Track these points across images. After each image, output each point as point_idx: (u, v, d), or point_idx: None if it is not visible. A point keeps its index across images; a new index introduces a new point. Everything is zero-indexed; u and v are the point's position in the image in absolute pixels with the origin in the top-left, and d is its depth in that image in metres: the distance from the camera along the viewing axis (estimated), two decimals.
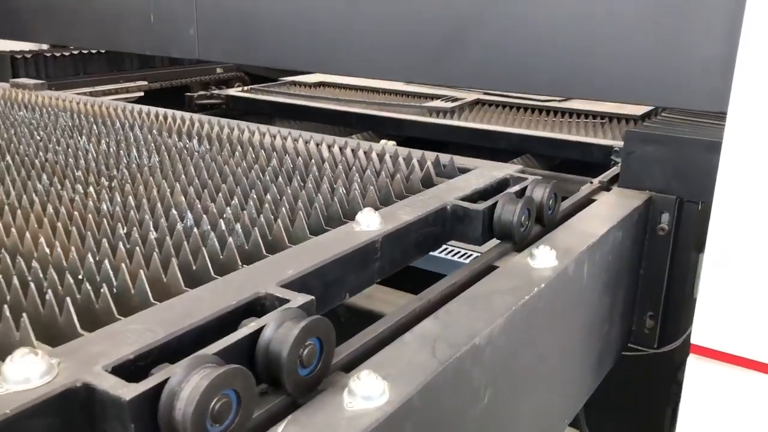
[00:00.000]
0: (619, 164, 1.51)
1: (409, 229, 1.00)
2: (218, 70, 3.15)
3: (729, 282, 1.18)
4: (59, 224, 0.96)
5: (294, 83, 2.95)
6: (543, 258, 1.01)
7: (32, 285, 0.78)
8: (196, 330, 0.67)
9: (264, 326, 0.66)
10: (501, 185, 1.23)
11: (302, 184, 1.19)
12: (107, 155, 1.32)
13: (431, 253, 1.19)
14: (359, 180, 1.20)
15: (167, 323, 0.67)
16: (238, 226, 0.96)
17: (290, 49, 1.82)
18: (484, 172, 1.28)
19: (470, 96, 2.53)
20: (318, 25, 1.77)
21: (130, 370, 0.61)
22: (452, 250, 1.72)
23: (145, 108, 1.75)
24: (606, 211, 1.28)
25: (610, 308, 1.28)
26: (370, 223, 0.97)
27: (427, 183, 1.26)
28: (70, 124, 1.57)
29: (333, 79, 2.88)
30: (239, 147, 1.39)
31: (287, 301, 0.72)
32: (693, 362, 1.30)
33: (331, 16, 1.75)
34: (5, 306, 0.72)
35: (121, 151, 1.35)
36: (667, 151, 1.36)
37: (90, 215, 1.00)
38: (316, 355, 0.68)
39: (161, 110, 1.73)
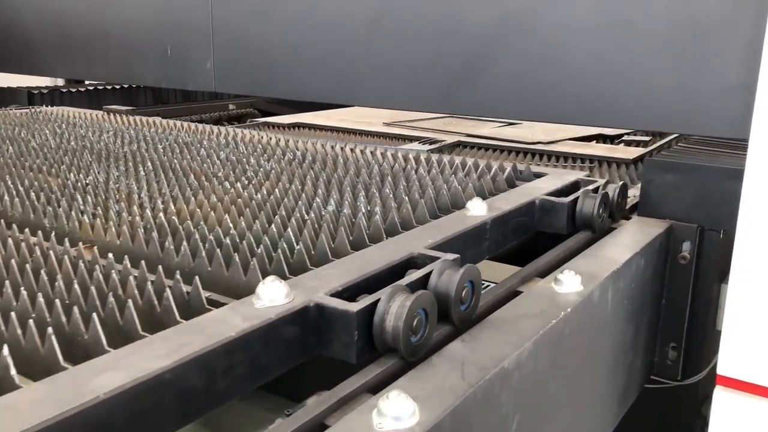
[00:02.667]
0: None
1: (509, 217, 1.19)
2: (231, 107, 3.18)
3: (755, 311, 1.16)
4: (232, 207, 1.18)
5: (267, 124, 2.79)
6: (568, 283, 1.00)
7: (244, 243, 0.99)
8: (376, 275, 0.87)
9: (432, 271, 0.84)
10: (574, 186, 1.40)
11: (407, 183, 1.38)
12: (229, 162, 1.54)
13: None
14: (454, 179, 1.39)
15: (353, 270, 0.87)
16: (377, 209, 1.16)
17: (307, 81, 1.83)
18: (557, 176, 1.48)
19: (451, 138, 2.41)
20: (334, 57, 1.79)
21: (341, 298, 0.78)
22: None
23: (235, 129, 2.00)
24: (628, 239, 1.26)
25: (633, 337, 1.25)
26: (479, 210, 1.15)
27: (511, 184, 1.45)
28: (181, 141, 1.79)
29: (309, 121, 2.79)
30: (338, 158, 1.59)
31: (437, 258, 0.89)
32: (719, 394, 1.26)
33: (347, 48, 1.76)
34: (235, 254, 0.95)
35: (244, 159, 1.57)
36: (687, 179, 1.35)
37: (253, 202, 1.22)
38: (470, 295, 0.86)
39: (245, 131, 1.96)
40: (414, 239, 1.01)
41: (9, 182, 1.34)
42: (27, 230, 1.06)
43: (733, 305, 1.22)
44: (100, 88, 2.89)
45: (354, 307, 0.74)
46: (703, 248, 1.37)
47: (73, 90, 2.80)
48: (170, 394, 0.62)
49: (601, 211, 1.26)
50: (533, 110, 1.55)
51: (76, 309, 0.76)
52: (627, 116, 1.44)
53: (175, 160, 1.55)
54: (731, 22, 1.31)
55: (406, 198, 1.24)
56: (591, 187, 1.32)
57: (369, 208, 1.19)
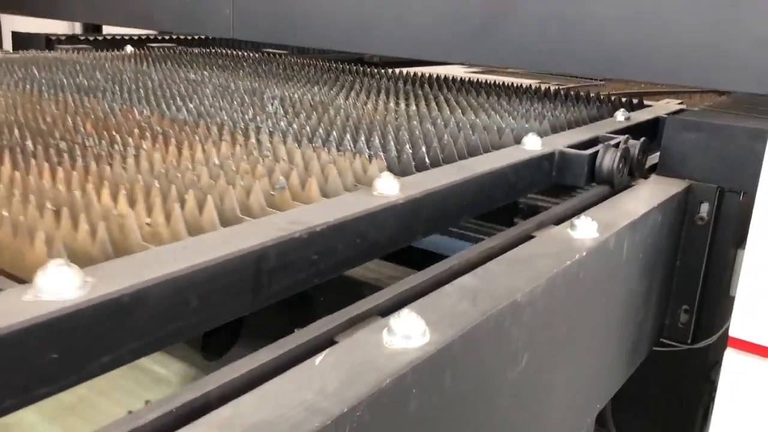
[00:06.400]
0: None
1: (645, 125, 1.60)
2: None
3: None
4: (400, 112, 1.49)
5: None
6: (584, 229, 0.98)
7: (478, 121, 1.42)
8: (583, 143, 1.30)
9: (621, 140, 1.29)
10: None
11: (553, 99, 1.81)
12: (372, 89, 1.79)
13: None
14: (596, 100, 1.86)
15: (566, 140, 1.31)
16: (557, 111, 1.60)
17: (327, 28, 1.81)
18: (663, 107, 1.91)
19: None
20: (356, 3, 1.76)
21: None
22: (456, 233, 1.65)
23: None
24: (646, 195, 1.24)
25: (646, 295, 1.24)
26: (622, 118, 1.60)
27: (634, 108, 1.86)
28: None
29: None
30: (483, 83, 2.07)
31: (615, 137, 1.32)
32: (730, 356, 1.25)
33: None
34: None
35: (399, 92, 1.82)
36: (709, 138, 1.33)
37: (418, 113, 1.49)
38: (643, 156, 1.34)
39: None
40: (593, 129, 1.48)
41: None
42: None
43: (750, 267, 1.20)
44: (119, 37, 2.87)
45: (585, 153, 1.23)
46: (722, 210, 1.35)
47: (91, 38, 2.78)
48: (477, 192, 1.03)
49: None
50: (559, 61, 1.51)
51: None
52: (654, 69, 1.41)
53: (332, 92, 1.74)
54: None
55: (571, 108, 1.68)
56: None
57: (549, 111, 1.62)
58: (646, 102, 1.97)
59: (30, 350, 0.51)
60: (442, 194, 0.96)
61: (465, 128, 1.34)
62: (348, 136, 1.19)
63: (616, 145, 1.27)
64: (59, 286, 0.54)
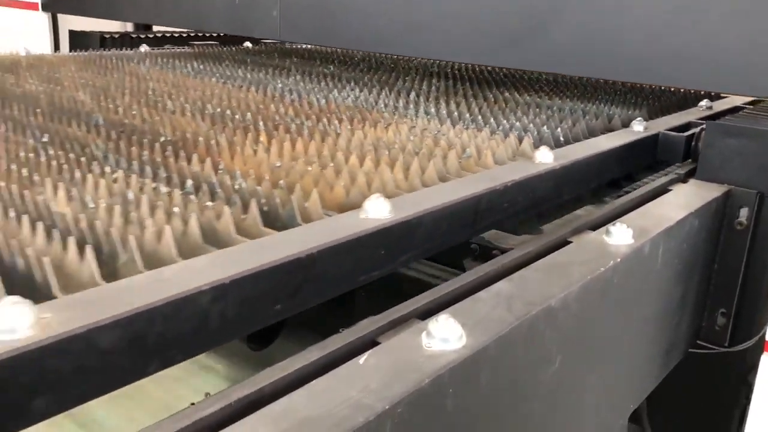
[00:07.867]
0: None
1: (717, 116, 1.72)
2: None
3: None
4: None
5: None
6: (619, 235, 1.00)
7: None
8: (680, 126, 1.54)
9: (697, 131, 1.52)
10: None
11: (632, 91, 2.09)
12: (473, 83, 2.07)
13: None
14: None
15: (666, 123, 1.58)
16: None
17: (372, 31, 1.85)
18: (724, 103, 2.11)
19: None
20: (402, 7, 1.79)
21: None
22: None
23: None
24: (683, 200, 1.26)
25: (681, 299, 1.25)
26: (707, 106, 1.89)
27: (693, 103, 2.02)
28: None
29: None
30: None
31: (702, 123, 1.51)
32: (767, 360, 1.26)
33: None
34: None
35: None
36: (750, 144, 1.33)
37: (533, 102, 1.76)
38: None
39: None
40: (683, 116, 1.72)
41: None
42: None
43: None
44: (168, 35, 2.97)
45: (683, 134, 1.47)
46: (762, 215, 1.35)
47: (143, 36, 2.88)
48: (604, 164, 1.27)
49: None
50: (597, 66, 1.53)
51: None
52: (693, 75, 1.42)
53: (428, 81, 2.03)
54: None
55: (660, 98, 1.95)
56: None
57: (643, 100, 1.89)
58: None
59: (370, 246, 0.82)
60: (584, 164, 1.24)
61: (579, 114, 1.63)
62: (492, 119, 1.48)
63: None
64: (379, 211, 0.85)
